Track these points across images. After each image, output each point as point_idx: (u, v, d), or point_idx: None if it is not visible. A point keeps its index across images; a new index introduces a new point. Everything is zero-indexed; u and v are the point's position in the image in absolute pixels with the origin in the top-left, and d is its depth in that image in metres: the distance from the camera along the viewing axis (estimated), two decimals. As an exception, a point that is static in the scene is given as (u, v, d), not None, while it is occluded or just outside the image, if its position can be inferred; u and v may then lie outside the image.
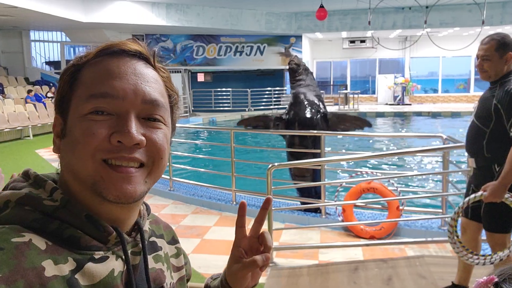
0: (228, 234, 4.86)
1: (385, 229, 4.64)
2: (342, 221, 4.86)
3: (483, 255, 2.57)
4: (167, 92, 0.77)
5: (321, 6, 13.18)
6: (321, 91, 22.56)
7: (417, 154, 6.96)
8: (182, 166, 7.28)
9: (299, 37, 20.76)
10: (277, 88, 21.10)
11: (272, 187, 4.05)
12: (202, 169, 7.00)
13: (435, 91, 24.31)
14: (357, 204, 4.95)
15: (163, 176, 6.18)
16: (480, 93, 3.02)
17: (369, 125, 5.12)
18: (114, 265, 0.70)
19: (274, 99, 20.70)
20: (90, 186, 0.68)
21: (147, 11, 15.98)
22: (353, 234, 4.72)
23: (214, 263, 4.08)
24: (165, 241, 0.88)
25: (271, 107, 20.18)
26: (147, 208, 0.84)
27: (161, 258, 0.84)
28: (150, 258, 0.79)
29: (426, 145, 8.81)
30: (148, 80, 0.72)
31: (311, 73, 5.40)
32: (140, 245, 0.78)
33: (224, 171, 6.45)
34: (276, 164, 4.11)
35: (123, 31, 17.25)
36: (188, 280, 0.94)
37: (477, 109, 2.79)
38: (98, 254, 0.69)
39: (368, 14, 14.18)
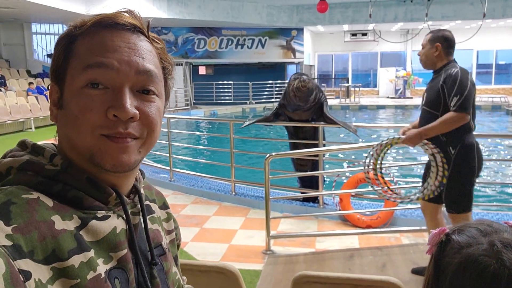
0: (227, 223, 4.94)
1: (381, 218, 4.70)
2: (339, 210, 4.93)
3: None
4: (161, 63, 0.79)
5: (322, -1, 13.16)
6: (323, 84, 22.67)
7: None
8: (183, 157, 7.36)
9: (300, 30, 20.73)
10: (278, 81, 21.11)
11: (270, 177, 4.11)
12: (202, 160, 7.08)
13: (437, 84, 24.24)
14: (354, 193, 5.02)
15: (163, 167, 6.25)
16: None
17: (355, 133, 5.18)
18: (116, 223, 0.74)
19: (276, 92, 20.71)
20: (88, 157, 0.72)
21: (148, 4, 15.99)
22: (350, 223, 4.79)
23: (212, 251, 4.16)
24: (157, 206, 0.92)
25: (272, 100, 20.20)
26: (142, 173, 0.87)
27: (156, 219, 0.88)
28: (147, 219, 0.83)
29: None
30: (142, 52, 0.74)
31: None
32: (139, 206, 0.82)
33: (223, 162, 6.51)
34: (273, 153, 4.16)
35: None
36: (179, 246, 0.98)
37: (426, 97, 3.08)
38: (100, 213, 0.72)
39: (369, 7, 14.17)
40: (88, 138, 0.70)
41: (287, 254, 4.06)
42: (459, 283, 0.76)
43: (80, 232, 0.68)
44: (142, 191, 0.85)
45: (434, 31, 3.14)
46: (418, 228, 4.37)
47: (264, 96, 20.86)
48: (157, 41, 0.80)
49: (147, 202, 0.88)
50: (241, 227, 4.82)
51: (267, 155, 4.07)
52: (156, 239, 0.84)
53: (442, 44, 3.05)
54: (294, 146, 5.42)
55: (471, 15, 17.80)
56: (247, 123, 5.76)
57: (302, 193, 5.40)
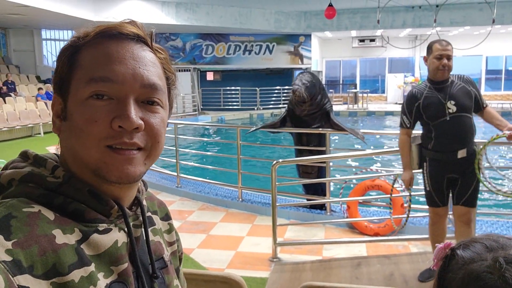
0: (234, 230, 4.92)
1: (389, 226, 4.65)
2: (347, 218, 4.89)
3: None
4: (164, 74, 0.79)
5: (330, 5, 13.15)
6: (331, 90, 22.62)
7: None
8: (190, 163, 7.36)
9: (308, 36, 20.73)
10: (286, 87, 21.09)
11: (277, 184, 4.10)
12: (209, 166, 7.07)
13: (445, 90, 24.10)
14: (361, 201, 4.98)
15: (170, 173, 6.26)
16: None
17: (363, 140, 5.17)
18: (118, 236, 0.73)
19: (283, 98, 20.70)
20: (92, 170, 0.71)
21: (156, 10, 16.10)
22: (357, 231, 4.75)
23: (218, 258, 4.14)
24: (158, 217, 0.91)
25: (280, 106, 20.19)
26: (145, 184, 0.87)
27: (158, 231, 0.88)
28: (149, 231, 0.82)
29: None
30: (146, 63, 0.74)
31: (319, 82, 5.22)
32: (141, 218, 0.81)
33: (230, 168, 6.50)
34: (280, 160, 4.15)
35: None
36: (180, 259, 0.97)
37: (458, 104, 3.11)
38: (102, 226, 0.72)
39: (378, 13, 14.13)
40: (94, 151, 0.70)
41: (294, 261, 4.03)
42: None
43: (81, 246, 0.67)
44: (144, 202, 0.84)
45: (449, 42, 3.24)
46: (426, 236, 4.31)
47: (272, 102, 20.86)
48: (160, 51, 0.79)
49: (149, 214, 0.87)
50: (248, 234, 4.80)
51: (274, 162, 4.05)
52: (157, 251, 0.84)
53: None
54: (299, 153, 5.40)
55: (480, 21, 17.68)
56: (253, 129, 5.76)
57: (308, 200, 5.36)
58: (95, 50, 0.73)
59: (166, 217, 0.95)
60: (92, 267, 0.67)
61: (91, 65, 0.71)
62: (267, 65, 21.23)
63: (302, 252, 4.27)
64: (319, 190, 5.36)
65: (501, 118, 3.17)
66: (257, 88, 20.71)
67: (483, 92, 23.08)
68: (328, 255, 4.20)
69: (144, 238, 0.81)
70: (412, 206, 5.03)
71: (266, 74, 21.90)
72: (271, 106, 20.67)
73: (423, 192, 5.97)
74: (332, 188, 6.05)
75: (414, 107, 3.23)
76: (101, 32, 0.73)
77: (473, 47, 15.88)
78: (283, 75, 21.71)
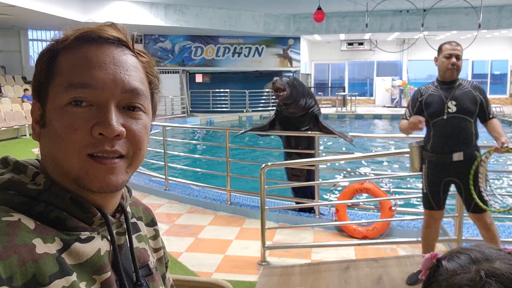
0: (222, 233, 4.89)
1: (377, 229, 4.67)
2: (335, 221, 4.89)
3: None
4: (147, 78, 0.77)
5: (319, 8, 13.22)
6: (319, 93, 22.72)
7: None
8: (178, 166, 7.31)
9: (297, 39, 20.81)
10: (275, 90, 21.11)
11: (266, 187, 4.08)
12: (198, 169, 7.03)
13: (433, 94, 24.37)
14: (350, 204, 4.99)
15: (158, 175, 6.21)
16: None
17: (352, 143, 5.19)
18: (100, 244, 0.72)
19: (272, 101, 20.73)
20: (73, 179, 0.70)
21: (145, 11, 16.02)
22: (346, 234, 4.75)
23: (207, 262, 4.11)
24: (143, 223, 0.89)
25: (269, 108, 20.21)
26: (129, 190, 0.85)
27: (143, 238, 0.86)
28: (133, 238, 0.81)
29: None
30: (128, 68, 0.72)
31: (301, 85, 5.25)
32: (124, 225, 0.79)
33: (219, 171, 6.47)
34: (269, 163, 4.14)
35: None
36: (167, 265, 0.95)
37: (458, 105, 3.14)
38: (84, 235, 0.70)
39: (366, 17, 14.25)
40: (74, 159, 0.68)
41: (283, 265, 4.01)
42: None
43: (62, 255, 0.66)
44: (128, 209, 0.83)
45: (459, 43, 3.29)
46: (414, 239, 4.34)
47: (261, 105, 20.87)
48: (142, 54, 0.77)
49: (133, 220, 0.86)
50: (237, 237, 4.77)
51: (263, 165, 4.04)
52: (142, 258, 0.82)
53: None
54: (288, 156, 5.40)
55: (466, 25, 17.93)
56: (242, 131, 5.75)
57: (297, 203, 5.36)
58: (74, 55, 0.70)
59: (152, 223, 0.93)
60: (73, 277, 0.65)
61: (70, 71, 0.69)
62: (256, 68, 21.25)
63: (291, 255, 4.26)
64: (308, 193, 5.36)
65: (500, 131, 3.13)
66: (246, 91, 20.70)
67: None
68: (317, 259, 4.19)
69: (128, 246, 0.79)
70: (399, 209, 5.09)
71: (255, 77, 21.91)
72: (260, 108, 20.68)
73: (410, 196, 6.04)
74: (320, 191, 6.07)
75: (418, 102, 3.33)
76: (80, 36, 0.71)
77: (460, 51, 16.01)
78: (272, 78, 21.67)
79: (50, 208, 0.68)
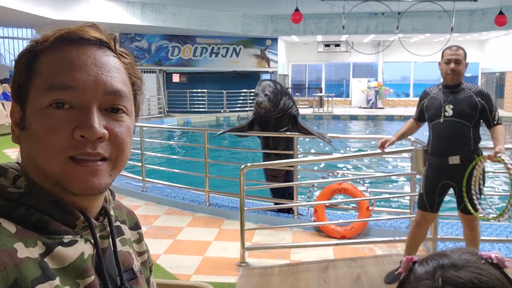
0: (201, 235, 4.86)
1: (355, 229, 4.72)
2: (314, 221, 4.92)
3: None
4: (130, 79, 0.76)
5: (297, 10, 13.31)
6: (297, 94, 22.88)
7: (387, 155, 7.14)
8: (155, 167, 7.23)
9: (274, 40, 20.89)
10: (253, 90, 21.01)
11: (245, 188, 4.07)
12: (176, 170, 6.96)
13: (407, 95, 24.86)
14: (328, 204, 5.03)
15: (135, 176, 6.13)
16: None
17: (330, 143, 5.25)
18: (84, 248, 0.71)
19: (250, 101, 20.74)
20: (55, 182, 0.68)
21: (121, 10, 15.78)
22: (324, 234, 4.79)
23: (186, 264, 4.07)
24: (127, 227, 0.88)
25: (247, 109, 20.22)
26: (112, 193, 0.84)
27: (127, 241, 0.85)
28: (117, 241, 0.80)
29: (396, 147, 9.00)
30: (110, 69, 0.71)
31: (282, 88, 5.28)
32: (108, 228, 0.78)
33: (197, 172, 6.43)
34: (248, 164, 4.13)
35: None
36: (151, 269, 0.94)
37: (455, 109, 3.17)
38: (67, 238, 0.69)
39: (343, 19, 14.42)
40: (55, 162, 0.67)
41: (262, 266, 4.01)
42: None
43: (45, 259, 0.64)
44: (112, 212, 0.81)
45: (461, 47, 3.32)
46: (391, 238, 4.41)
47: (239, 105, 20.86)
48: (125, 56, 0.76)
49: (117, 223, 0.84)
50: (215, 238, 4.75)
51: (243, 166, 4.03)
52: (126, 262, 0.81)
53: (467, 61, 3.33)
54: (266, 157, 5.41)
55: (439, 28, 18.34)
56: (221, 132, 5.72)
57: (276, 204, 5.37)
58: (55, 56, 0.69)
59: (136, 226, 0.92)
60: (57, 281, 0.64)
61: (50, 72, 0.68)
62: (234, 68, 21.22)
63: (270, 256, 4.27)
64: (287, 193, 5.38)
65: (499, 138, 3.15)
66: (223, 91, 20.65)
67: (442, 97, 23.93)
68: (296, 259, 4.21)
69: (112, 249, 0.78)
70: (376, 209, 5.16)
71: (233, 77, 21.89)
72: (237, 109, 20.66)
73: (387, 196, 6.14)
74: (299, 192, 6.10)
75: (421, 104, 3.43)
76: (61, 36, 0.70)
77: (433, 54, 16.42)
78: (250, 78, 21.75)
79: (32, 211, 0.67)
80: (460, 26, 17.77)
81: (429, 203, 3.34)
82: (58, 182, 0.68)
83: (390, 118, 19.93)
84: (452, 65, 3.21)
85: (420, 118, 3.48)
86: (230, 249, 4.42)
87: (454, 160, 3.17)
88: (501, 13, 13.92)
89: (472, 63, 23.54)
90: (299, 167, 5.30)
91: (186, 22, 17.65)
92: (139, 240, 0.91)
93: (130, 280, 0.80)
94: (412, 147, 4.08)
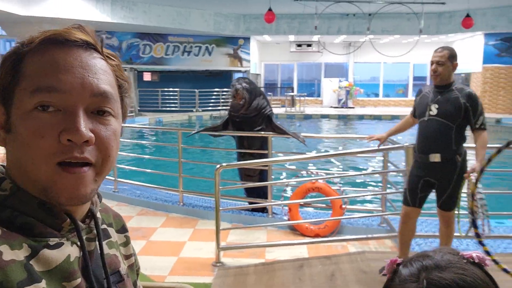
0: (175, 235, 4.82)
1: (329, 227, 4.79)
2: (288, 220, 4.97)
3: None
4: (117, 82, 0.75)
5: (270, 9, 13.37)
6: (269, 93, 22.99)
7: (359, 155, 7.27)
8: (128, 167, 7.12)
9: (247, 39, 20.90)
10: (225, 89, 21.08)
11: (220, 187, 4.07)
12: (148, 170, 6.88)
13: (377, 95, 25.35)
14: (302, 203, 5.08)
15: (107, 177, 6.03)
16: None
17: (304, 143, 5.32)
18: (70, 251, 0.70)
19: (222, 100, 20.69)
20: (40, 189, 0.67)
21: (90, 7, 15.43)
22: (298, 232, 4.84)
23: (160, 265, 4.04)
24: (114, 230, 0.88)
25: (219, 108, 20.16)
26: (99, 196, 0.84)
27: (114, 244, 0.84)
28: (104, 244, 0.79)
29: (368, 146, 9.19)
30: (96, 71, 0.70)
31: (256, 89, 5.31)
32: (95, 231, 0.78)
33: (171, 172, 6.37)
34: (224, 164, 4.13)
35: (61, 27, 16.53)
36: (138, 273, 0.94)
37: (439, 109, 3.25)
38: (53, 241, 0.68)
39: (315, 19, 14.56)
40: (42, 168, 0.66)
41: (237, 265, 4.02)
42: None
43: (31, 262, 0.64)
44: (98, 214, 0.81)
45: (448, 48, 3.37)
46: (364, 236, 4.50)
47: (211, 104, 20.77)
48: (112, 57, 0.75)
49: (104, 226, 0.84)
50: (190, 239, 4.72)
51: (218, 166, 4.02)
52: (113, 265, 0.80)
53: (455, 61, 3.33)
54: (241, 157, 5.42)
55: (408, 30, 18.79)
56: (195, 131, 5.69)
57: (250, 203, 5.39)
58: (40, 58, 0.68)
59: (122, 229, 0.91)
60: (43, 284, 0.64)
61: (36, 74, 0.67)
62: (206, 67, 21.12)
63: (245, 255, 4.28)
64: (261, 193, 5.40)
65: (478, 151, 3.21)
66: (196, 90, 20.51)
67: (410, 97, 24.56)
68: (270, 258, 4.23)
69: (99, 252, 0.77)
70: (349, 207, 5.26)
71: (205, 76, 21.78)
72: (210, 108, 20.57)
73: (360, 194, 6.25)
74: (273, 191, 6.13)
75: (415, 101, 3.55)
76: (47, 38, 0.69)
77: (403, 55, 16.83)
78: (222, 77, 21.70)
79: (17, 214, 0.67)
80: (428, 28, 18.26)
81: (411, 198, 3.44)
82: (44, 190, 0.67)
83: (360, 117, 20.28)
84: (433, 66, 3.30)
85: (414, 114, 3.58)
86: (204, 249, 4.41)
87: (435, 158, 3.27)
88: (468, 16, 14.36)
89: (439, 64, 24.34)
90: (273, 166, 5.33)
91: (158, 20, 17.44)
92: (126, 243, 0.91)
93: (117, 283, 0.80)
94: (385, 147, 4.17)
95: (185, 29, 18.53)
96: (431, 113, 3.30)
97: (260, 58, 24.30)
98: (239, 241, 4.65)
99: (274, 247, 4.44)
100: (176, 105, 20.56)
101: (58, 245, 0.69)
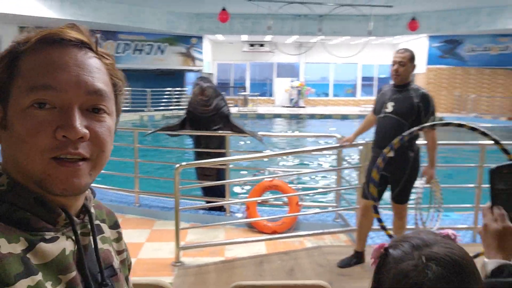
0: (132, 236, 4.75)
1: (286, 223, 4.90)
2: (246, 218, 5.03)
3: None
4: (111, 80, 0.77)
5: (224, 9, 13.38)
6: (222, 92, 22.98)
7: (315, 152, 7.48)
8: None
9: (200, 38, 20.78)
10: (178, 89, 20.87)
11: (180, 187, 4.07)
12: (102, 171, 6.69)
13: (327, 95, 25.99)
14: (260, 201, 5.16)
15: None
16: (366, 98, 3.79)
17: (262, 141, 5.43)
18: (65, 245, 0.72)
19: (175, 100, 20.44)
20: (36, 182, 0.69)
21: (37, 3, 14.74)
22: (256, 230, 4.92)
23: (119, 266, 3.98)
24: (107, 226, 0.90)
25: (171, 108, 19.90)
26: (92, 192, 0.85)
27: (107, 239, 0.86)
28: (98, 239, 0.81)
29: (320, 144, 9.47)
30: (91, 70, 0.72)
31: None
32: (89, 226, 0.79)
33: (126, 172, 6.26)
34: (183, 163, 4.13)
35: (8, 22, 15.69)
36: (129, 268, 0.96)
37: (395, 107, 3.46)
38: (48, 235, 0.70)
39: (268, 19, 14.73)
40: (38, 162, 0.68)
41: (197, 264, 4.04)
42: None
43: (27, 255, 0.66)
44: (92, 210, 0.83)
45: (409, 50, 3.55)
46: (320, 231, 4.65)
47: (163, 104, 20.45)
48: (106, 56, 0.78)
49: (97, 222, 0.86)
50: (147, 239, 4.68)
51: (177, 165, 4.02)
52: (107, 259, 0.83)
53: (414, 63, 3.55)
54: (198, 156, 5.42)
55: (357, 32, 19.39)
56: (151, 131, 5.64)
57: (209, 202, 5.40)
58: (37, 57, 0.70)
59: (115, 225, 0.93)
60: (39, 276, 0.65)
61: (32, 73, 0.69)
62: (159, 66, 20.77)
63: (204, 254, 4.30)
64: (218, 192, 5.43)
65: (429, 152, 3.49)
66: (147, 89, 20.12)
67: (358, 97, 25.40)
68: (230, 256, 4.28)
69: (93, 246, 0.79)
70: (305, 204, 5.40)
71: (157, 75, 21.39)
72: (162, 108, 20.25)
73: (315, 191, 6.40)
74: (231, 190, 6.17)
75: (376, 98, 3.73)
76: (43, 37, 0.71)
77: (353, 56, 17.37)
78: (175, 77, 21.43)
79: (14, 209, 0.68)
80: (376, 30, 18.94)
81: (368, 191, 3.60)
82: (39, 182, 0.69)
83: (311, 116, 20.73)
84: (395, 66, 3.48)
85: (375, 110, 3.75)
86: (163, 249, 4.39)
87: (390, 153, 3.45)
88: (413, 19, 15.03)
89: (386, 65, 25.26)
90: (231, 165, 5.38)
91: (108, 17, 16.95)
92: (119, 239, 0.93)
93: (111, 276, 0.82)
94: (339, 144, 4.34)
95: (136, 27, 18.15)
96: (387, 110, 3.50)
97: (213, 58, 24.23)
98: (198, 240, 4.67)
99: (233, 244, 4.49)
100: (128, 105, 20.05)
101: (53, 239, 0.70)
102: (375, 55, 24.33)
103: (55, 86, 0.68)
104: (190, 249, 4.32)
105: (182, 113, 5.59)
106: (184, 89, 21.21)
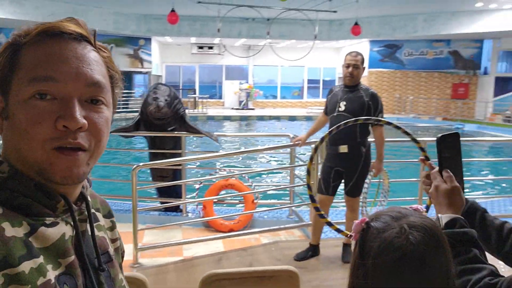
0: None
1: (242, 221, 5.01)
2: (203, 217, 5.09)
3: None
4: (108, 73, 0.81)
5: (173, 10, 13.28)
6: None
7: (269, 151, 7.66)
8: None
9: (148, 40, 20.45)
10: (125, 91, 20.37)
11: (137, 188, 4.06)
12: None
13: (275, 97, 26.41)
14: (216, 200, 5.23)
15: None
16: (312, 100, 4.08)
17: (217, 141, 5.52)
18: (64, 229, 0.75)
19: (122, 102, 19.96)
20: (37, 171, 0.72)
21: (-28, 0, 13.93)
22: (213, 229, 4.99)
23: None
24: (101, 215, 0.93)
25: (120, 110, 19.41)
26: (89, 181, 0.88)
27: (102, 227, 0.90)
28: (94, 226, 0.84)
29: (272, 143, 9.67)
30: (90, 62, 0.75)
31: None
32: (86, 213, 0.83)
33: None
34: (141, 164, 4.13)
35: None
36: (123, 256, 1.00)
37: (347, 106, 3.68)
38: (49, 220, 0.73)
39: (217, 22, 14.78)
40: (39, 152, 0.71)
41: (156, 264, 4.05)
42: (380, 261, 0.94)
43: (30, 239, 0.68)
44: (89, 198, 0.86)
45: (360, 53, 3.77)
46: (275, 227, 4.79)
47: (111, 106, 19.90)
48: (103, 49, 0.81)
49: (92, 210, 0.88)
50: (103, 242, 4.61)
51: (135, 166, 4.01)
52: (102, 246, 0.86)
53: (364, 65, 3.80)
54: (153, 157, 5.40)
55: (303, 35, 19.91)
56: None
57: (164, 203, 5.39)
58: (37, 49, 0.73)
59: (109, 214, 0.97)
60: (41, 259, 0.68)
61: (33, 65, 0.71)
62: (105, 67, 20.17)
63: (163, 254, 4.31)
64: (174, 193, 5.44)
65: (378, 148, 3.74)
66: (94, 91, 19.50)
67: (305, 99, 26.03)
68: (188, 255, 4.33)
69: (90, 233, 0.83)
70: (260, 201, 5.54)
71: (103, 77, 20.77)
72: (110, 109, 19.69)
73: (270, 189, 6.54)
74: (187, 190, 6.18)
75: (327, 99, 3.93)
76: (43, 30, 0.74)
77: (300, 59, 17.80)
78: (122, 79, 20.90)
79: (16, 195, 0.71)
80: (320, 34, 19.52)
81: (325, 187, 3.83)
82: (40, 171, 0.72)
83: (260, 118, 21.04)
84: (350, 69, 3.70)
85: (326, 111, 3.95)
86: (121, 251, 4.35)
87: (343, 149, 3.68)
88: (356, 24, 15.65)
89: (330, 68, 26.09)
90: (187, 165, 5.41)
91: (51, 17, 16.08)
92: (112, 227, 0.96)
93: (107, 262, 0.85)
94: (292, 143, 4.51)
95: (81, 27, 17.50)
96: (339, 109, 3.72)
97: (161, 59, 23.90)
98: (155, 241, 4.65)
99: (191, 244, 4.53)
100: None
101: (53, 224, 0.74)
102: (320, 59, 25.05)
103: (56, 78, 0.71)
104: (148, 250, 4.32)
105: (130, 115, 5.52)
106: (131, 91, 20.78)
